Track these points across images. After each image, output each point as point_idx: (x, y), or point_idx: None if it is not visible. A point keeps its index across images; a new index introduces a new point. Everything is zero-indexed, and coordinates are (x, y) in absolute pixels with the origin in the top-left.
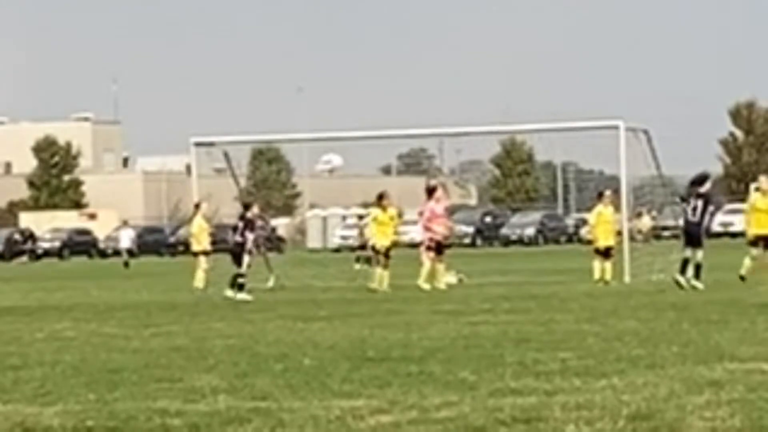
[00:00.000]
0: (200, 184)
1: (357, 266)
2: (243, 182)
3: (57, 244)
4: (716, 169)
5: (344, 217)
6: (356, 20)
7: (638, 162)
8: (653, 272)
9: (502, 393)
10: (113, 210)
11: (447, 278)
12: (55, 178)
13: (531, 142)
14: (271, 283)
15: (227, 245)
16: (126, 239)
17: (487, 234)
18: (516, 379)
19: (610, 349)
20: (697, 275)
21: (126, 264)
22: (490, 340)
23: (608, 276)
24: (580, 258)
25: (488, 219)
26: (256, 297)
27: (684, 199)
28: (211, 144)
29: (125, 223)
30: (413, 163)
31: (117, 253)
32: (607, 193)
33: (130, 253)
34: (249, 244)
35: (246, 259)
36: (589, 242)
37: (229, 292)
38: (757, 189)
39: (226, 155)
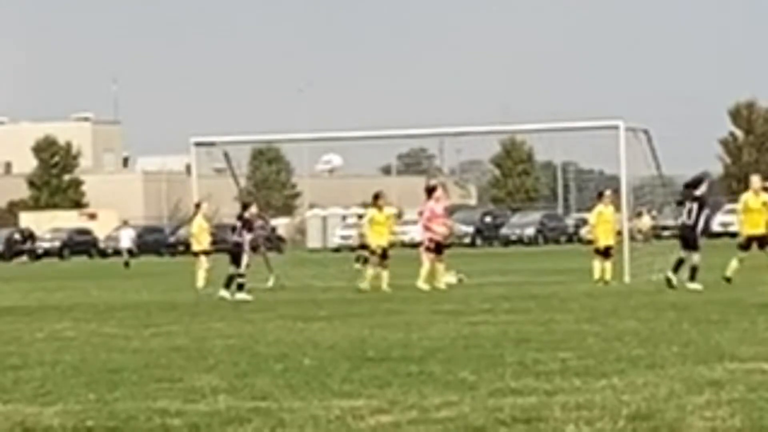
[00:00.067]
0: (200, 184)
1: (357, 266)
2: (243, 182)
3: (57, 244)
4: (716, 169)
5: (344, 217)
6: (356, 20)
7: (638, 162)
8: (653, 272)
9: (502, 393)
10: (113, 210)
11: (447, 278)
12: (55, 178)
13: (531, 142)
14: (271, 283)
15: (227, 245)
16: (126, 239)
17: (487, 234)
18: (516, 379)
19: (610, 349)
20: (692, 277)
21: (127, 264)
22: (490, 340)
23: (608, 276)
24: (580, 258)
25: (488, 219)
26: (256, 297)
27: (680, 203)
28: (211, 144)
29: (125, 223)
30: (413, 163)
31: (117, 253)
32: (607, 192)
33: (131, 252)
34: (247, 244)
35: (245, 259)
36: (589, 242)
37: (224, 293)
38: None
39: (226, 155)
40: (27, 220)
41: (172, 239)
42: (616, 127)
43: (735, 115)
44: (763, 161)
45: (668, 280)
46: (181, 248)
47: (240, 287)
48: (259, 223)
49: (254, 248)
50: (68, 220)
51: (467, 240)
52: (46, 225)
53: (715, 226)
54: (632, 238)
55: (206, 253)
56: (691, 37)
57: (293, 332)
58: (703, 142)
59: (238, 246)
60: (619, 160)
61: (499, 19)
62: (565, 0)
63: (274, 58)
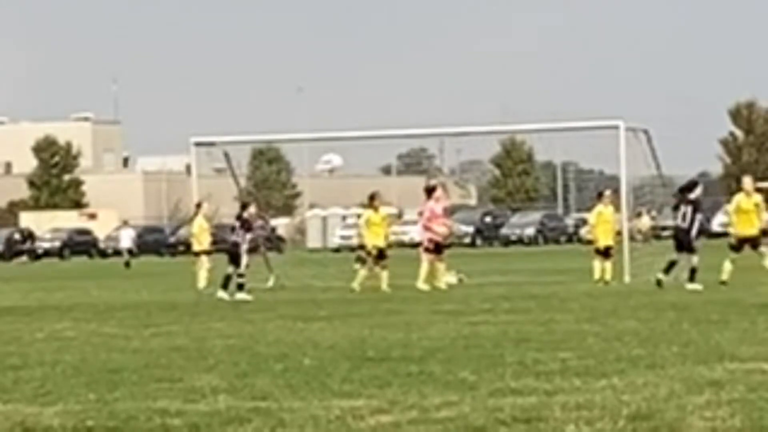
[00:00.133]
0: (200, 184)
1: (357, 266)
2: (243, 182)
3: (57, 244)
4: (716, 169)
5: (344, 217)
6: (356, 20)
7: (638, 162)
8: (653, 272)
9: (502, 393)
10: (113, 210)
11: (447, 278)
12: (56, 178)
13: (531, 142)
14: (271, 283)
15: (227, 245)
16: (126, 239)
17: (487, 234)
18: (516, 379)
19: (610, 349)
20: (692, 278)
21: (127, 264)
22: (490, 340)
23: (608, 276)
24: (580, 258)
25: (488, 219)
26: (256, 297)
27: (675, 207)
28: (211, 144)
29: (125, 223)
30: (413, 163)
31: (117, 253)
32: (607, 192)
33: (131, 252)
34: (245, 245)
35: (244, 258)
36: (589, 242)
37: (222, 294)
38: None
39: (226, 155)
40: (27, 220)
41: (172, 239)
42: (616, 127)
43: (735, 115)
44: (763, 161)
45: (658, 282)
46: (181, 248)
47: (240, 287)
48: (258, 223)
49: (254, 248)
50: (68, 220)
51: (467, 240)
52: (46, 225)
53: (715, 226)
54: (632, 239)
55: (207, 253)
56: (691, 37)
57: (293, 332)
58: (703, 142)
59: (236, 246)
60: (619, 160)
61: (499, 19)
62: (565, 0)
63: (274, 58)
